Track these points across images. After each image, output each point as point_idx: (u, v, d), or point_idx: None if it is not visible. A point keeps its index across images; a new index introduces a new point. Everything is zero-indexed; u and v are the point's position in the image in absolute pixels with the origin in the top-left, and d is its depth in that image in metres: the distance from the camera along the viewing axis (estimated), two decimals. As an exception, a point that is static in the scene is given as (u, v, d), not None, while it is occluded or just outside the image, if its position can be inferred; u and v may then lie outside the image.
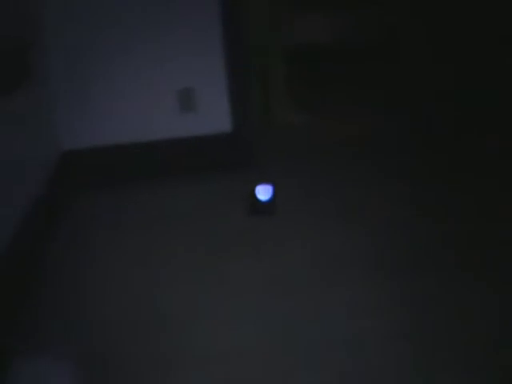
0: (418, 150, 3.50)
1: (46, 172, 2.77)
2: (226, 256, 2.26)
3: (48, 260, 2.35)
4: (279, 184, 3.04)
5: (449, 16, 4.78)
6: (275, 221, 2.58)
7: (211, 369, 1.56)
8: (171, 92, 3.29)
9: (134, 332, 1.78)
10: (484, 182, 2.88)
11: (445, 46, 4.81)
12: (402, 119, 4.29)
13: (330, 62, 5.61)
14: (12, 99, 2.30)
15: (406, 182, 2.95)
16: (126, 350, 1.69)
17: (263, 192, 2.62)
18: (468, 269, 2.01)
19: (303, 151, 3.72)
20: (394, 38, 5.40)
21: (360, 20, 5.55)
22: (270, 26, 4.14)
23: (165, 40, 3.25)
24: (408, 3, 5.02)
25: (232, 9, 3.23)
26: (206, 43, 3.26)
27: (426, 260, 2.10)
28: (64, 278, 2.21)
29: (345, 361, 1.55)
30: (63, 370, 1.47)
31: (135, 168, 3.31)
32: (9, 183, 2.09)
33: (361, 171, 3.19)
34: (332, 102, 4.84)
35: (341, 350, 1.59)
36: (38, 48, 2.93)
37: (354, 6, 5.56)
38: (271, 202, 2.64)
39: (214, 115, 3.32)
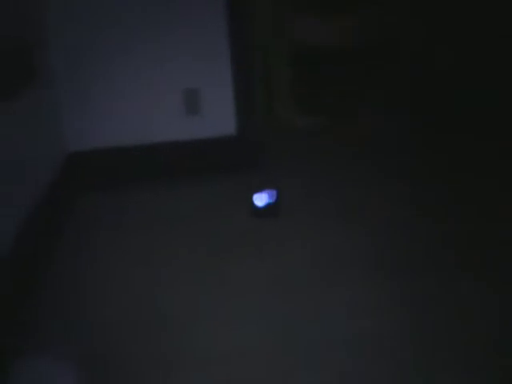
0: (417, 150, 3.50)
1: (51, 173, 2.78)
2: (226, 257, 2.26)
3: (50, 260, 2.36)
4: (280, 185, 3.04)
5: (449, 16, 4.78)
6: (276, 221, 2.58)
7: (212, 369, 1.56)
8: (176, 94, 3.29)
9: (135, 332, 1.78)
10: (484, 181, 2.88)
11: (445, 46, 4.81)
12: (402, 119, 4.29)
13: (329, 63, 5.61)
14: (17, 100, 2.30)
15: (405, 182, 2.95)
16: (127, 350, 1.69)
17: (261, 198, 2.62)
18: (468, 269, 2.01)
19: (303, 151, 3.73)
20: (394, 37, 5.40)
21: (360, 21, 5.55)
22: (274, 28, 4.14)
23: (169, 41, 3.25)
24: (408, 3, 5.02)
25: (237, 10, 3.24)
26: (211, 45, 3.26)
27: (426, 260, 2.10)
28: (66, 278, 2.21)
29: (345, 361, 1.55)
30: (64, 371, 1.47)
31: (139, 170, 3.31)
32: (13, 184, 2.09)
33: (361, 171, 3.19)
34: (333, 104, 4.84)
35: (341, 350, 1.60)
36: (42, 49, 2.93)
37: (354, 7, 5.56)
38: (275, 205, 2.63)
39: (218, 117, 3.32)
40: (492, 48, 4.57)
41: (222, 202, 2.87)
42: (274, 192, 2.65)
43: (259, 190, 2.67)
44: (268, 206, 2.63)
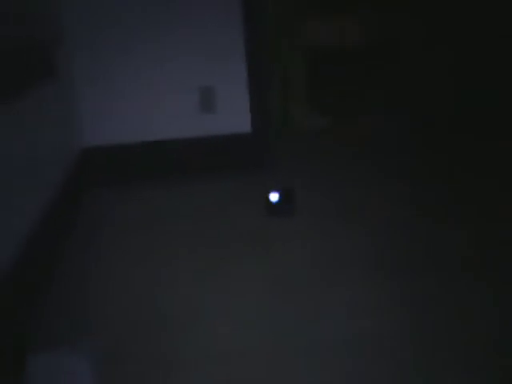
0: (418, 150, 3.50)
1: (64, 169, 2.79)
2: (227, 256, 2.26)
3: (59, 258, 2.36)
4: (292, 184, 3.04)
5: (449, 16, 4.79)
6: (276, 221, 2.58)
7: (212, 369, 1.56)
8: (191, 91, 3.30)
9: (135, 332, 1.78)
10: (484, 181, 2.88)
11: (445, 46, 4.81)
12: (402, 119, 4.29)
13: (329, 63, 5.62)
14: (32, 97, 2.31)
15: (406, 182, 2.95)
16: (127, 350, 1.69)
17: (276, 196, 2.62)
18: (468, 269, 2.01)
19: (303, 151, 3.73)
20: (394, 37, 5.40)
21: (360, 21, 5.55)
22: (290, 27, 4.14)
23: (185, 39, 3.27)
24: (408, 3, 5.02)
25: (253, 9, 3.24)
26: (227, 43, 3.27)
27: (426, 260, 2.10)
28: (72, 276, 2.21)
29: (345, 361, 1.55)
30: (74, 366, 1.47)
31: (152, 166, 3.32)
32: (26, 179, 2.09)
33: (361, 171, 3.19)
34: (333, 104, 4.85)
35: (341, 350, 1.60)
36: (60, 47, 2.94)
37: (354, 7, 5.56)
38: (290, 204, 2.63)
39: (233, 115, 3.33)
40: (492, 48, 4.57)
41: (231, 200, 2.87)
42: (288, 191, 2.65)
43: (275, 188, 2.66)
44: (282, 204, 2.62)
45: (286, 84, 4.26)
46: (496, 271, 1.98)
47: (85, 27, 3.22)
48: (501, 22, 4.54)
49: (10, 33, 1.98)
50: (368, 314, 1.78)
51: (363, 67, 5.49)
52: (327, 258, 2.17)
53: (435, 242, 2.25)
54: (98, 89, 3.27)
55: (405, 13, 5.10)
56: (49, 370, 1.46)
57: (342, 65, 5.57)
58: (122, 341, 1.74)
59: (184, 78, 3.29)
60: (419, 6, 4.94)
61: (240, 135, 3.33)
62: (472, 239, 2.24)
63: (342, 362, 1.54)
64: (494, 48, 4.55)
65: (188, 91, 3.30)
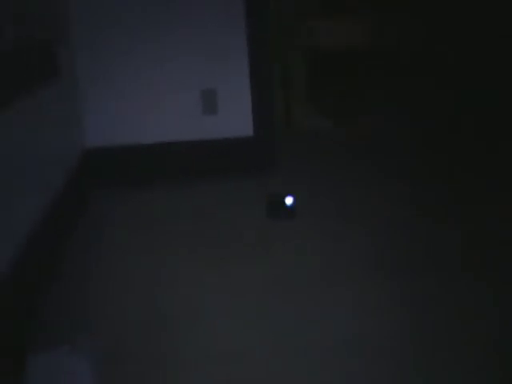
0: (418, 150, 3.50)
1: (66, 170, 2.79)
2: (227, 257, 2.26)
3: (56, 259, 2.36)
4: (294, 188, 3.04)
5: (449, 16, 4.78)
6: (276, 221, 2.58)
7: (212, 369, 1.56)
8: (193, 93, 3.30)
9: (135, 332, 1.78)
10: (484, 181, 2.88)
11: (445, 46, 4.81)
12: (402, 119, 4.29)
13: (330, 64, 5.62)
14: (38, 97, 2.32)
15: (406, 182, 2.95)
16: (127, 350, 1.69)
17: (287, 198, 2.62)
18: (468, 269, 2.01)
19: (303, 151, 3.73)
20: (394, 38, 5.41)
21: (361, 21, 5.55)
22: (293, 25, 4.14)
23: (187, 40, 3.27)
24: (408, 3, 5.02)
25: (255, 10, 3.24)
26: (229, 45, 3.27)
27: (426, 260, 2.10)
28: (73, 276, 2.21)
29: (345, 361, 1.55)
30: (74, 366, 1.47)
31: (154, 168, 3.33)
32: (27, 180, 2.09)
33: (361, 171, 3.19)
34: (333, 104, 4.85)
35: (341, 350, 1.60)
36: (65, 47, 2.94)
37: (354, 8, 5.56)
38: (292, 207, 2.63)
39: (235, 117, 3.33)
40: (492, 48, 4.57)
41: (232, 201, 2.87)
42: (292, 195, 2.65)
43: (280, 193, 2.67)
44: (288, 207, 2.62)
45: (286, 84, 4.26)
46: (496, 271, 1.98)
47: (85, 27, 3.22)
48: (501, 22, 4.54)
49: (13, 33, 1.98)
50: (368, 313, 1.78)
51: (363, 67, 5.49)
52: (327, 258, 2.17)
53: (435, 242, 2.25)
54: (99, 90, 3.27)
55: (405, 13, 5.10)
56: (49, 369, 1.47)
57: (342, 65, 5.57)
58: (122, 341, 1.74)
59: (185, 79, 3.29)
60: (419, 6, 4.94)
61: (241, 137, 3.33)
62: (472, 239, 2.24)
63: (341, 362, 1.54)
64: (494, 48, 4.55)
65: (189, 93, 3.30)
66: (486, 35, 4.56)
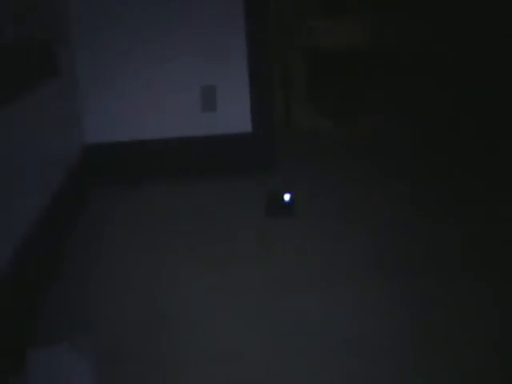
0: (418, 150, 3.50)
1: (66, 168, 2.79)
2: (227, 256, 2.26)
3: (56, 258, 2.36)
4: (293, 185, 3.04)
5: (449, 16, 4.78)
6: (276, 221, 2.58)
7: (212, 369, 1.56)
8: (193, 90, 3.30)
9: (135, 332, 1.78)
10: (484, 181, 2.88)
11: (445, 46, 4.81)
12: (402, 119, 4.29)
13: (330, 64, 5.62)
14: (38, 95, 2.32)
15: (406, 182, 2.95)
16: (127, 350, 1.69)
17: (285, 195, 2.63)
18: (468, 269, 2.01)
19: (303, 151, 3.73)
20: (394, 38, 5.41)
21: (361, 21, 5.55)
22: (293, 25, 4.14)
23: (187, 37, 3.27)
24: (408, 3, 5.02)
25: (255, 8, 3.25)
26: (229, 42, 3.27)
27: (426, 260, 2.10)
28: (73, 275, 2.21)
29: (345, 361, 1.55)
30: (74, 364, 1.47)
31: (153, 165, 3.33)
32: (27, 178, 2.09)
33: (361, 171, 3.19)
34: (334, 104, 4.85)
35: (341, 350, 1.60)
36: (65, 47, 2.95)
37: (354, 8, 5.56)
38: (290, 204, 2.63)
39: (234, 114, 3.33)
40: (492, 48, 4.57)
41: (232, 199, 2.87)
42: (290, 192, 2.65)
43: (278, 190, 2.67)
44: (286, 204, 2.62)
45: (286, 84, 4.26)
46: (496, 271, 1.98)
47: (85, 27, 3.22)
48: (501, 21, 4.54)
49: (13, 33, 1.98)
50: (368, 313, 1.78)
51: (363, 67, 5.49)
52: (327, 258, 2.17)
53: (435, 242, 2.25)
54: (99, 90, 3.27)
55: (405, 13, 5.10)
56: (48, 366, 1.46)
57: (342, 65, 5.57)
58: (122, 341, 1.74)
59: (185, 77, 3.29)
60: (419, 6, 4.94)
61: (240, 134, 3.33)
62: (472, 239, 2.24)
63: (342, 362, 1.54)
64: (494, 48, 4.55)
65: (189, 90, 3.30)
66: (486, 35, 4.56)
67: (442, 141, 3.67)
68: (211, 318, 1.83)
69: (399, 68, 5.21)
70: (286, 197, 2.59)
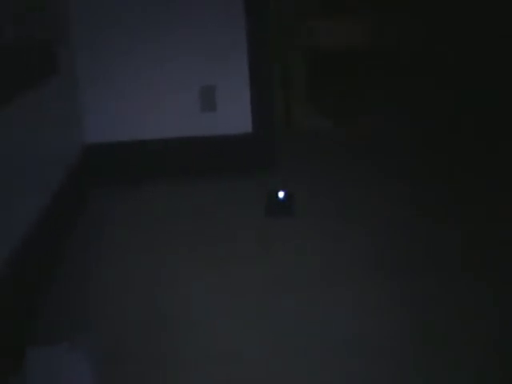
0: (418, 150, 3.50)
1: (66, 168, 2.79)
2: (227, 256, 2.26)
3: (56, 258, 2.36)
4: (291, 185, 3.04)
5: (449, 16, 4.78)
6: (276, 221, 2.58)
7: (212, 369, 1.56)
8: (192, 90, 3.30)
9: (135, 332, 1.78)
10: (484, 181, 2.88)
11: (445, 46, 4.81)
12: (402, 119, 4.29)
13: (330, 64, 5.62)
14: (38, 94, 2.32)
15: (406, 182, 2.95)
16: (127, 350, 1.69)
17: (282, 194, 2.63)
18: (468, 269, 2.01)
19: (303, 151, 3.73)
20: (394, 38, 5.41)
21: (361, 21, 5.55)
22: (293, 25, 4.14)
23: (187, 37, 3.27)
24: (408, 3, 5.02)
25: (256, 8, 3.25)
26: (229, 42, 3.27)
27: (426, 260, 2.10)
28: (72, 275, 2.21)
29: (345, 361, 1.55)
30: (73, 363, 1.47)
31: (152, 165, 3.33)
32: (27, 178, 2.09)
33: (361, 171, 3.19)
34: (334, 104, 4.85)
35: (341, 350, 1.60)
36: (65, 47, 2.95)
37: (354, 8, 5.56)
38: (289, 203, 2.63)
39: (234, 114, 3.33)
40: (492, 48, 4.57)
41: (232, 199, 2.87)
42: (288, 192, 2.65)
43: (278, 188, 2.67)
44: (282, 204, 2.62)
45: (286, 84, 4.26)
46: (496, 271, 1.98)
47: (85, 27, 3.22)
48: (501, 21, 4.54)
49: (13, 33, 1.98)
50: (368, 313, 1.78)
51: (363, 67, 5.49)
52: (327, 258, 2.17)
53: (435, 241, 2.25)
54: (99, 90, 3.27)
55: (405, 13, 5.10)
56: (48, 366, 1.46)
57: (342, 65, 5.57)
58: (122, 340, 1.74)
59: (184, 77, 3.29)
60: (419, 6, 4.94)
61: (240, 135, 3.33)
62: (472, 239, 2.24)
63: (342, 362, 1.54)
64: (494, 48, 4.55)
65: (188, 90, 3.30)
66: (486, 35, 4.56)
67: (442, 141, 3.67)
68: (211, 318, 1.83)
69: (399, 68, 5.21)
70: (281, 194, 2.59)
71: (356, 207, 2.67)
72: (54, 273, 2.25)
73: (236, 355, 1.61)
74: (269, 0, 3.37)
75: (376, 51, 5.53)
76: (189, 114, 3.31)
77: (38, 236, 2.15)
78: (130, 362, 1.62)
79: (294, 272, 2.08)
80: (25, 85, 2.13)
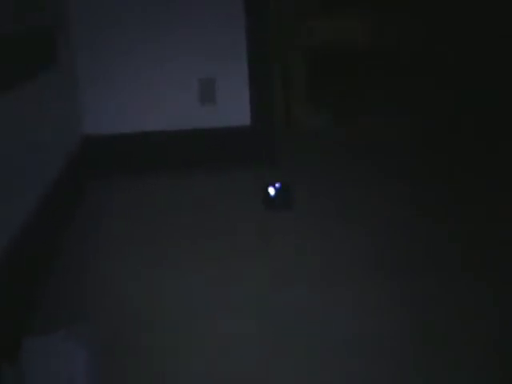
0: (418, 150, 3.50)
1: (64, 160, 2.78)
2: (226, 252, 2.26)
3: (55, 250, 2.35)
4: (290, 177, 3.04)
5: (449, 16, 4.78)
6: (276, 220, 2.58)
7: (212, 369, 1.56)
8: (192, 82, 3.30)
9: (133, 324, 1.78)
10: (484, 181, 2.88)
11: (445, 46, 4.81)
12: (402, 119, 4.29)
13: (330, 64, 5.61)
14: (36, 84, 2.32)
15: (406, 182, 2.95)
16: (125, 342, 1.69)
17: (274, 189, 2.63)
18: (468, 269, 2.01)
19: (303, 151, 3.73)
20: (394, 38, 5.41)
21: (360, 21, 5.55)
22: (293, 25, 4.14)
23: (188, 30, 3.27)
24: (408, 3, 5.02)
25: (256, 5, 3.25)
26: (229, 36, 3.27)
27: (426, 260, 2.10)
28: (70, 268, 2.20)
29: (345, 361, 1.55)
30: (70, 352, 1.47)
31: (152, 158, 3.33)
32: (25, 169, 2.09)
33: (361, 171, 3.19)
34: (334, 104, 4.85)
35: (341, 350, 1.60)
36: (63, 34, 2.94)
37: (354, 7, 5.56)
38: (287, 197, 2.63)
39: (233, 108, 3.33)
40: (492, 48, 4.57)
41: (231, 192, 2.87)
42: (286, 184, 2.65)
43: (273, 181, 2.67)
44: (280, 197, 2.62)
45: (286, 84, 4.26)
46: (496, 271, 1.98)
47: (85, 27, 3.22)
48: (501, 22, 4.54)
49: (13, 20, 1.98)
50: (368, 313, 1.77)
51: (363, 67, 5.49)
52: (327, 258, 2.17)
53: (435, 242, 2.24)
54: (99, 90, 3.27)
55: (405, 13, 5.10)
56: (44, 354, 1.46)
57: (342, 65, 5.57)
58: (119, 333, 1.74)
59: (184, 69, 3.29)
60: (419, 6, 4.94)
61: (240, 127, 3.33)
62: (472, 239, 2.24)
63: (341, 362, 1.54)
64: (494, 48, 4.55)
65: (188, 83, 3.29)
66: (486, 35, 4.56)
67: (442, 141, 3.67)
68: (211, 311, 1.83)
69: (399, 68, 5.21)
70: (271, 191, 2.59)
71: (356, 207, 2.67)
72: (52, 265, 2.25)
73: (235, 354, 1.61)
74: (269, 0, 3.37)
75: (376, 51, 5.53)
76: (188, 106, 3.31)
77: (37, 226, 2.14)
78: (128, 355, 1.62)
79: (294, 272, 2.08)
80: (25, 73, 2.12)
